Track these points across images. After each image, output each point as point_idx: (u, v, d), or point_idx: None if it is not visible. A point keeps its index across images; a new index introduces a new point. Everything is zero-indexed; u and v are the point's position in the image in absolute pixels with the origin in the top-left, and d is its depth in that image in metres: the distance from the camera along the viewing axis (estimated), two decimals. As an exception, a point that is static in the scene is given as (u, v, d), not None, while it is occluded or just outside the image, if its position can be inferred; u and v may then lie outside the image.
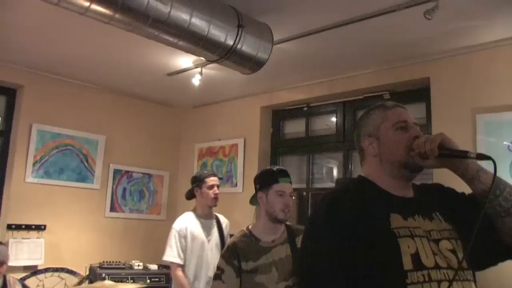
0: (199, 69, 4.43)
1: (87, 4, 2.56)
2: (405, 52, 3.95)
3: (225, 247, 2.82)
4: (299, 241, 2.58)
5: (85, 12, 2.64)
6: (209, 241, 3.96)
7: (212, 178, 4.03)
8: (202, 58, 4.11)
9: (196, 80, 4.46)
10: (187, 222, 3.97)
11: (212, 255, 3.92)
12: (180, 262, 3.85)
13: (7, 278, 3.90)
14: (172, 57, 4.29)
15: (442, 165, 1.53)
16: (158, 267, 5.13)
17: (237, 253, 2.64)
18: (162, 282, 5.01)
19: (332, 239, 1.42)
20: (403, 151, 1.55)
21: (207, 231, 3.99)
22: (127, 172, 5.56)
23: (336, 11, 3.27)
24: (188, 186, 4.15)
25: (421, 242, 1.43)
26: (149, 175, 5.77)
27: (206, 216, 4.04)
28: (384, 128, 1.62)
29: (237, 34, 3.10)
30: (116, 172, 5.47)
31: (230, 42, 3.10)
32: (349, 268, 1.37)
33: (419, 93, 4.15)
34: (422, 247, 1.42)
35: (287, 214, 2.70)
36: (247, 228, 2.81)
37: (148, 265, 5.12)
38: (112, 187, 5.43)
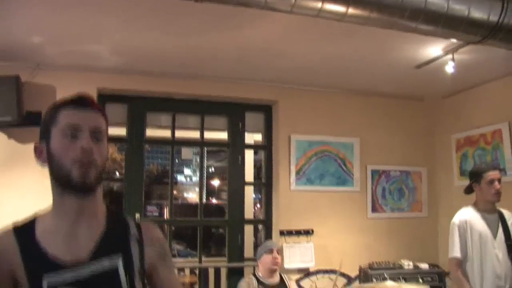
0: (450, 56, 4.15)
1: (343, 9, 2.59)
2: None
3: None
4: None
5: (341, 18, 2.67)
6: (495, 238, 3.65)
7: (491, 172, 3.67)
8: (453, 43, 3.86)
9: (449, 68, 4.16)
10: (467, 216, 3.71)
11: (500, 253, 3.61)
12: (458, 256, 3.63)
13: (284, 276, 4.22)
14: (419, 48, 4.08)
15: None
16: (429, 266, 4.96)
17: None
18: (435, 282, 4.82)
19: None
20: None
21: (493, 227, 3.65)
22: (384, 171, 5.51)
23: None
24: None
25: None
26: (407, 172, 5.62)
27: (489, 211, 3.71)
28: None
29: (502, 8, 2.81)
30: (374, 172, 5.46)
31: (494, 18, 2.82)
32: None
33: None
34: None
35: None
36: None
37: (418, 264, 4.98)
38: (372, 188, 5.44)
